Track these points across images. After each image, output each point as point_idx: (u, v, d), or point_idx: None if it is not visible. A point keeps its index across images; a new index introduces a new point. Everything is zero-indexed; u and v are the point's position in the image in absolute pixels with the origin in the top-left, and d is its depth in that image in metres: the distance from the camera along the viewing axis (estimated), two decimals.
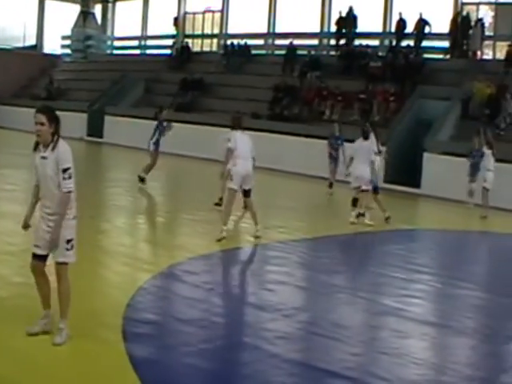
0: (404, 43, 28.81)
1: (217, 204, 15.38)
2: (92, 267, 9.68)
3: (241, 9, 36.95)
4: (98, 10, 44.88)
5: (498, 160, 18.61)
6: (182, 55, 36.55)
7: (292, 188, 22.63)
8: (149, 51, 41.82)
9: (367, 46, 29.66)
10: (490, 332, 8.26)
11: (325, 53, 32.05)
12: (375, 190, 15.77)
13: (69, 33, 43.49)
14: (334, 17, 31.80)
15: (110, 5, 44.95)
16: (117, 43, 45.08)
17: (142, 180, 18.01)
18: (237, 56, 33.85)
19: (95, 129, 34.62)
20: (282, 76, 30.25)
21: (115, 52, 44.31)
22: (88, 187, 18.21)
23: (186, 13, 39.95)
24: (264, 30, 35.42)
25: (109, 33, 45.18)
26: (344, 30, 30.85)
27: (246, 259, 11.99)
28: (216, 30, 38.53)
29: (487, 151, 18.54)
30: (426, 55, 28.14)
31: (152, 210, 16.42)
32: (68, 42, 44.00)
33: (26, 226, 6.66)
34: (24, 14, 43.49)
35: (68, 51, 44.29)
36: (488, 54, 28.59)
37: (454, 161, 21.43)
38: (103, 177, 22.02)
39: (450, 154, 21.82)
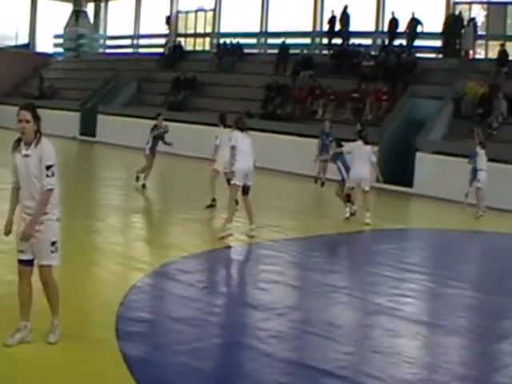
0: (396, 42, 28.86)
1: (209, 206, 15.40)
2: (85, 266, 9.68)
3: (233, 8, 36.95)
4: (90, 8, 44.81)
5: (490, 160, 18.62)
6: (175, 54, 36.51)
7: (285, 187, 22.63)
8: (141, 50, 41.75)
9: (359, 45, 29.69)
10: (482, 331, 8.28)
11: (317, 52, 32.07)
12: (343, 182, 15.88)
13: (61, 32, 43.44)
14: (327, 16, 31.82)
15: (102, 4, 44.86)
16: (109, 42, 45.02)
17: (142, 185, 17.80)
18: (229, 55, 33.84)
19: (88, 128, 34.56)
20: (275, 75, 30.26)
21: (108, 51, 44.24)
22: (81, 186, 18.22)
23: (178, 12, 39.93)
24: (256, 29, 35.42)
25: (101, 32, 45.12)
26: (338, 28, 30.80)
27: (239, 258, 11.99)
28: (208, 29, 38.52)
29: (480, 151, 18.53)
30: (419, 54, 28.15)
31: (145, 208, 16.40)
32: (60, 40, 43.94)
33: (8, 232, 6.39)
34: (16, 12, 43.39)
35: (60, 50, 44.22)
36: (480, 54, 28.68)
37: (446, 160, 21.49)
38: (96, 176, 21.96)
39: (443, 154, 21.87)
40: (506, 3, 27.99)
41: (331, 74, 28.78)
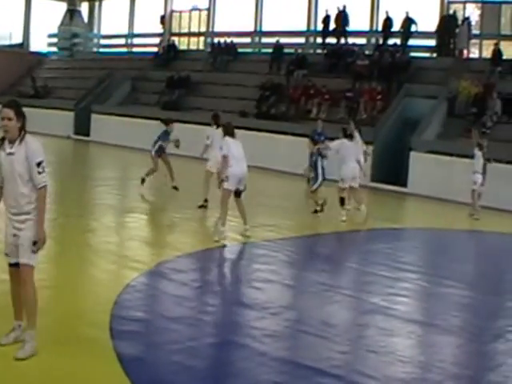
0: (391, 42, 28.81)
1: (201, 206, 15.38)
2: (80, 265, 9.68)
3: (227, 7, 36.90)
4: (84, 7, 44.69)
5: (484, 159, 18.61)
6: (169, 53, 36.45)
7: (279, 186, 22.64)
8: (135, 49, 41.67)
9: (354, 45, 29.70)
10: (476, 330, 8.29)
11: (311, 51, 32.06)
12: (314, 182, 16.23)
13: (55, 31, 43.33)
14: (321, 15, 31.82)
15: (96, 3, 44.77)
16: (103, 41, 44.94)
17: (142, 179, 17.68)
18: (223, 54, 33.79)
19: (82, 127, 34.46)
20: (269, 74, 30.22)
21: (102, 50, 44.15)
22: (75, 186, 18.21)
23: (172, 11, 39.87)
24: (251, 28, 35.39)
25: (95, 31, 45.01)
26: (332, 27, 30.76)
27: (233, 257, 11.99)
28: (203, 28, 38.46)
29: (478, 152, 18.28)
30: (413, 54, 28.15)
31: (139, 208, 16.37)
32: (55, 40, 43.82)
33: None
34: (10, 11, 43.27)
35: (55, 49, 44.13)
36: (474, 53, 28.69)
37: (440, 159, 21.49)
38: (90, 175, 21.92)
39: (437, 153, 21.87)
40: (500, 2, 28.00)
41: (325, 73, 28.77)
